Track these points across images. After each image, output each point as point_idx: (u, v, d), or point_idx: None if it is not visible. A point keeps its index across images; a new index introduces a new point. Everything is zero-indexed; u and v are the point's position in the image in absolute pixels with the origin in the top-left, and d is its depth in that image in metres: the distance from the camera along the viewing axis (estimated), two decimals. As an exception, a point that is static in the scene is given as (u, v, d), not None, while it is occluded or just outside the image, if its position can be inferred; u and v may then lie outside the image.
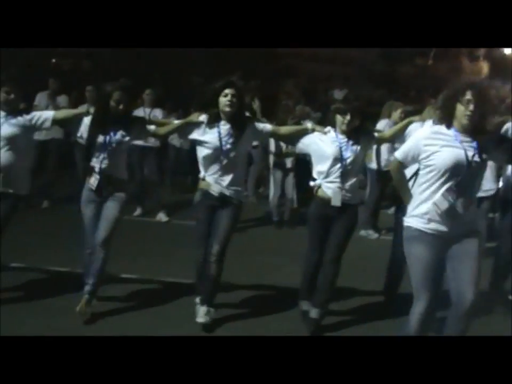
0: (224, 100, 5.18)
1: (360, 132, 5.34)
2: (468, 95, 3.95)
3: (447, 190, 4.03)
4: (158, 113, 9.05)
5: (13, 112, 5.33)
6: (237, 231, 5.58)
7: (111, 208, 5.29)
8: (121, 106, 5.21)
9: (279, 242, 8.54)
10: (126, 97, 5.25)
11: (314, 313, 5.34)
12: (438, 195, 4.04)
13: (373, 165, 8.69)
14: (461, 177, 4.00)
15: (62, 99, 9.82)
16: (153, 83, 10.97)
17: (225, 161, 5.22)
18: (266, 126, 5.43)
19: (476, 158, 4.03)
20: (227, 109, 5.18)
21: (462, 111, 3.98)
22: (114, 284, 5.68)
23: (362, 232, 8.77)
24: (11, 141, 5.28)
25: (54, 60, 15.48)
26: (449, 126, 4.07)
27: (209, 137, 5.23)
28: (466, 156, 4.01)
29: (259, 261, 7.23)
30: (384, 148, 8.38)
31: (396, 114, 8.73)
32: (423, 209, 4.10)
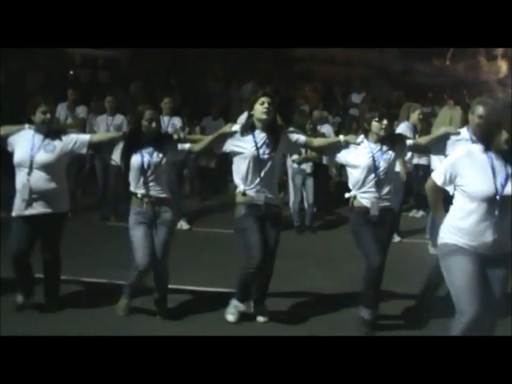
0: (261, 108, 5.23)
1: (393, 139, 5.38)
2: None
3: (480, 214, 3.98)
4: (176, 122, 9.06)
5: (48, 133, 5.37)
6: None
7: (162, 234, 5.39)
8: (153, 125, 5.28)
9: (301, 247, 8.52)
10: (157, 115, 5.34)
11: (367, 314, 5.33)
12: (473, 218, 3.99)
13: (397, 168, 8.61)
14: (495, 204, 3.95)
15: (81, 110, 9.90)
16: (170, 91, 11.01)
17: (264, 170, 5.26)
18: (301, 137, 5.44)
19: (508, 189, 3.95)
20: (264, 117, 5.23)
21: (506, 137, 3.90)
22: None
23: None
24: (46, 167, 5.31)
25: (71, 72, 15.59)
26: (487, 149, 4.00)
27: (245, 145, 5.28)
28: (499, 187, 3.94)
29: (281, 265, 7.17)
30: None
31: (414, 115, 8.69)
32: (459, 227, 4.05)
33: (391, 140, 5.34)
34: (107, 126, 9.26)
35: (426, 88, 16.60)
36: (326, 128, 10.14)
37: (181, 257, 7.49)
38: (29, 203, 5.31)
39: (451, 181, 4.10)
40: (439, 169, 4.21)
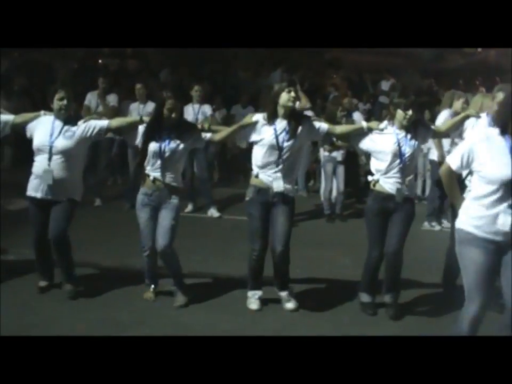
0: (287, 96, 5.29)
1: (417, 125, 5.37)
2: None
3: (497, 199, 3.89)
4: (206, 109, 9.09)
5: (67, 119, 5.44)
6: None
7: (166, 218, 5.39)
8: (173, 115, 5.31)
9: (331, 236, 8.51)
10: (179, 105, 5.38)
11: (388, 298, 5.45)
12: (490, 204, 3.91)
13: (435, 157, 8.53)
14: None
15: (111, 98, 9.91)
16: (200, 79, 11.01)
17: (281, 157, 5.29)
18: (323, 125, 5.46)
19: None
20: (290, 104, 5.30)
21: None
22: (168, 279, 5.70)
23: (426, 225, 8.72)
24: (66, 153, 5.39)
25: (100, 61, 15.65)
26: (504, 132, 3.92)
27: (265, 135, 5.32)
28: None
29: (312, 254, 7.20)
30: (446, 140, 8.24)
31: (458, 104, 8.52)
32: (475, 213, 3.98)
33: (415, 126, 5.34)
34: (139, 114, 9.25)
35: (457, 75, 16.40)
36: (357, 116, 10.07)
37: (211, 245, 7.55)
38: (44, 188, 5.40)
39: (467, 165, 4.02)
40: (455, 153, 4.14)
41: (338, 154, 9.19)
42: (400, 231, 5.36)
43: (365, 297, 5.58)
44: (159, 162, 5.34)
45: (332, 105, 9.19)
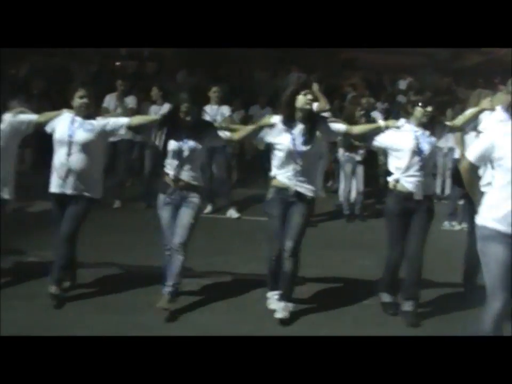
0: (304, 99, 5.26)
1: (433, 122, 5.36)
2: None
3: None
4: (225, 111, 9.06)
5: (87, 116, 5.49)
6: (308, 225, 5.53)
7: (186, 215, 5.39)
8: (188, 118, 5.33)
9: (351, 236, 8.49)
10: (194, 108, 5.38)
11: (408, 306, 5.36)
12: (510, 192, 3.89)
13: (457, 155, 8.44)
14: None
15: (130, 100, 9.95)
16: (218, 80, 11.02)
17: (298, 161, 5.27)
18: (340, 126, 5.46)
19: None
20: (307, 107, 5.28)
21: None
22: (188, 279, 5.71)
23: (446, 224, 8.65)
24: (85, 146, 5.44)
25: (118, 63, 15.73)
26: None
27: (282, 139, 5.29)
28: None
29: (331, 254, 7.19)
30: (468, 137, 8.16)
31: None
32: (499, 209, 3.95)
33: (432, 123, 5.35)
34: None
35: (475, 73, 16.31)
36: (375, 115, 10.04)
37: (230, 245, 7.54)
38: (64, 182, 5.44)
39: (486, 157, 4.02)
40: (474, 147, 4.16)
41: (357, 154, 9.16)
42: (421, 232, 5.34)
43: (385, 297, 5.56)
44: (178, 161, 5.36)
45: (350, 105, 9.17)
